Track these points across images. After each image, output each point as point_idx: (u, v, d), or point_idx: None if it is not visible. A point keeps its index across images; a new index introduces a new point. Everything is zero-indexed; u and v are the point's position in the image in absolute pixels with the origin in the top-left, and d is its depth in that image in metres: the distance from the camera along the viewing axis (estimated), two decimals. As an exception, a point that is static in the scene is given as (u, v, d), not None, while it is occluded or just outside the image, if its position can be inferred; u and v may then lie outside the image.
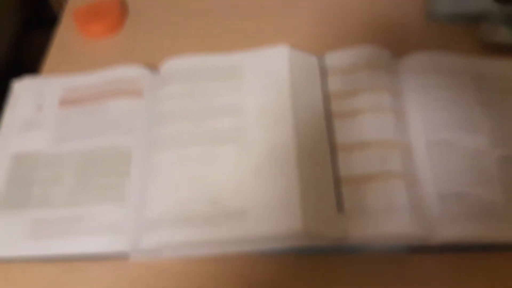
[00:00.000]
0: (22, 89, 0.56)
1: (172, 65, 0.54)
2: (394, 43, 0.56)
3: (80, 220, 0.45)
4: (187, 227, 0.43)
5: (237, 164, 0.46)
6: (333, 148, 0.48)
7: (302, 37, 0.58)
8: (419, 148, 0.47)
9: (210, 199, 0.44)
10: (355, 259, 0.44)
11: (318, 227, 0.42)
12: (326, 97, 0.51)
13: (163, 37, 0.61)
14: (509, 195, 0.44)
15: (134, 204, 0.46)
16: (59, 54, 0.60)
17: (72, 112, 0.53)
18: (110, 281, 0.44)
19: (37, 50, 0.62)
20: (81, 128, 0.52)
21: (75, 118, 0.53)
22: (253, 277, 0.43)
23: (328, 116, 0.50)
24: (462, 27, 0.58)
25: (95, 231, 0.45)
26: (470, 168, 0.45)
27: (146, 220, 0.45)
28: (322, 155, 0.47)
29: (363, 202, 0.44)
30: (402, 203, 0.43)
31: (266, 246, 0.44)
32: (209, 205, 0.44)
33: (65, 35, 0.62)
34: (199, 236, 0.43)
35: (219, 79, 0.52)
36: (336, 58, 0.54)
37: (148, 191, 0.47)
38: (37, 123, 0.53)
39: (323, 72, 0.53)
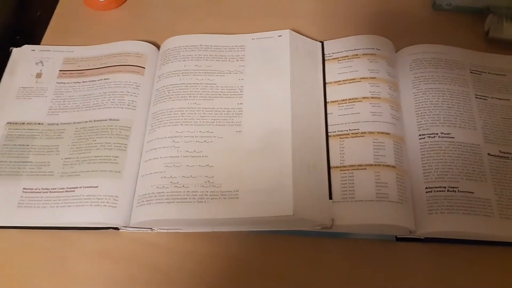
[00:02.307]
0: (21, 56, 0.55)
1: (173, 42, 0.54)
2: (398, 33, 0.56)
3: (73, 191, 0.46)
4: (178, 205, 0.43)
5: (232, 145, 0.46)
6: (326, 135, 0.48)
7: (306, 22, 0.58)
8: (412, 140, 0.48)
9: (203, 178, 0.45)
10: (343, 243, 0.45)
11: (308, 214, 0.43)
12: (324, 83, 0.51)
13: (166, 14, 0.60)
14: (499, 192, 0.44)
15: (129, 179, 0.47)
16: (61, 24, 0.60)
17: (72, 83, 0.53)
18: (100, 253, 0.45)
19: (39, 18, 0.61)
20: (80, 100, 0.52)
21: (74, 89, 0.53)
22: (242, 255, 0.44)
23: (325, 103, 0.50)
24: (468, 19, 0.58)
25: (87, 203, 0.45)
26: (462, 163, 0.45)
27: (137, 196, 0.45)
28: (318, 142, 0.47)
29: (353, 191, 0.44)
30: (392, 195, 0.43)
31: (256, 228, 0.45)
32: (201, 184, 0.44)
33: (68, 5, 0.62)
34: (189, 214, 0.43)
35: (220, 60, 0.52)
36: (336, 45, 0.54)
37: (141, 166, 0.47)
38: (35, 92, 0.53)
39: (323, 58, 0.53)
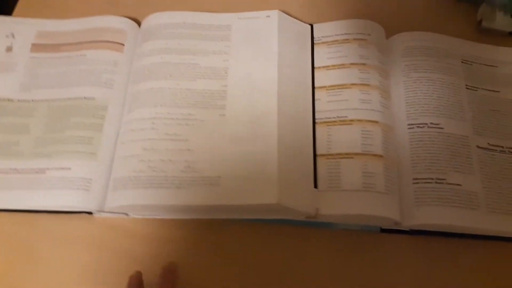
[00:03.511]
0: (-9, 28, 0.52)
1: (155, 19, 0.51)
2: (389, 18, 0.54)
3: (44, 173, 0.43)
4: (155, 190, 0.41)
5: (214, 129, 0.44)
6: (313, 122, 0.46)
7: (295, 3, 0.55)
8: (401, 130, 0.46)
9: (183, 162, 0.43)
10: (327, 233, 0.44)
11: (293, 202, 0.41)
12: (313, 68, 0.49)
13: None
14: (486, 185, 0.43)
15: (104, 161, 0.44)
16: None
17: (46, 58, 0.50)
18: (72, 238, 0.43)
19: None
20: (54, 76, 0.49)
21: (48, 65, 0.50)
22: (222, 244, 0.43)
23: (313, 88, 0.48)
24: (462, 8, 0.57)
25: (59, 186, 0.43)
26: (450, 154, 0.44)
27: (113, 179, 0.43)
28: (304, 128, 0.46)
29: (339, 180, 0.43)
30: (378, 185, 0.42)
31: (238, 216, 0.43)
32: (181, 169, 0.42)
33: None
34: (166, 200, 0.41)
35: (204, 39, 0.50)
36: (326, 29, 0.52)
37: (118, 148, 0.45)
38: (5, 66, 0.50)
39: (312, 42, 0.51)
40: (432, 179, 0.43)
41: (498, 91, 0.50)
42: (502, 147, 0.46)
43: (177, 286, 0.39)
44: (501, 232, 0.42)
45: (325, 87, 0.48)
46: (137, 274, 0.39)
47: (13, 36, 0.51)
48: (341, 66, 0.49)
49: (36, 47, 0.51)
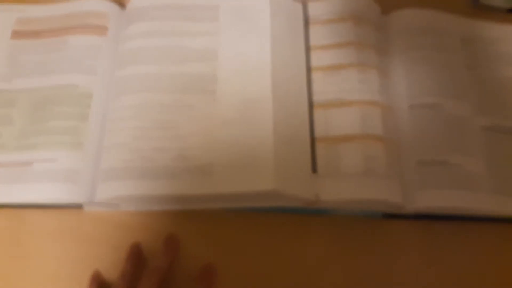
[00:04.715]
0: (-32, 15, 0.50)
1: (140, 1, 0.49)
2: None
3: (29, 165, 0.42)
4: (146, 180, 0.40)
5: (206, 115, 0.43)
6: (310, 104, 0.44)
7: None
8: (401, 111, 0.45)
9: (174, 150, 0.41)
10: (328, 220, 0.42)
11: (290, 189, 0.39)
12: (307, 48, 0.47)
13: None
14: (491, 165, 0.42)
15: (91, 151, 0.43)
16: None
17: (26, 45, 0.48)
18: (62, 232, 0.41)
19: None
20: (36, 64, 0.47)
21: (29, 53, 0.48)
22: (217, 235, 0.41)
23: (308, 69, 0.46)
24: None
25: (45, 178, 0.41)
26: (453, 135, 0.43)
27: (102, 170, 0.41)
28: (301, 111, 0.44)
29: (338, 164, 0.41)
30: (380, 168, 0.41)
31: (233, 205, 0.42)
32: (172, 157, 0.41)
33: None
34: (159, 190, 0.39)
35: (193, 20, 0.48)
36: (320, 7, 0.50)
37: (105, 137, 0.43)
38: (-16, 55, 0.48)
39: (306, 21, 0.49)
40: (435, 160, 0.42)
41: (499, 70, 0.48)
42: (505, 126, 0.45)
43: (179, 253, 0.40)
44: (506, 214, 0.41)
45: (321, 67, 0.46)
46: (137, 244, 0.40)
47: (-9, 23, 0.49)
48: (337, 45, 0.47)
49: (16, 34, 0.49)
